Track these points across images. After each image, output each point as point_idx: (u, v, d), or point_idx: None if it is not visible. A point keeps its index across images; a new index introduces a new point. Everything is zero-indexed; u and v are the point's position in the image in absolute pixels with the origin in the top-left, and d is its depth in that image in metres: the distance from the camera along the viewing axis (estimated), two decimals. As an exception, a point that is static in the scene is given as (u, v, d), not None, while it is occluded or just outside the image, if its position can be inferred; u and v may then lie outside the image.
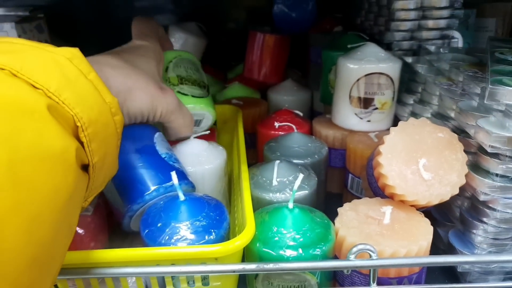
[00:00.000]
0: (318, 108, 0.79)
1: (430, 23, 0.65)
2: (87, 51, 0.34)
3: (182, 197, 0.41)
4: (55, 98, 0.27)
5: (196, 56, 0.85)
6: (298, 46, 0.87)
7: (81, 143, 0.28)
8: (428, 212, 0.49)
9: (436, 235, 0.48)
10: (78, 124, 0.28)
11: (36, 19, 0.76)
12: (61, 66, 0.29)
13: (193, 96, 0.52)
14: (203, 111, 0.53)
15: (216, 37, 0.90)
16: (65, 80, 0.28)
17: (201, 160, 0.50)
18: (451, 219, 0.46)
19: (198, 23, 0.89)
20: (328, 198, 0.61)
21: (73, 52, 0.30)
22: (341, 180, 0.63)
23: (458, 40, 0.68)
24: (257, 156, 0.68)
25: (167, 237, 0.38)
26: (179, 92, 0.51)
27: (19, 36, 0.70)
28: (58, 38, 0.81)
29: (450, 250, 0.45)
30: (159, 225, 0.39)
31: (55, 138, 0.26)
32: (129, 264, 0.36)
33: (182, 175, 0.44)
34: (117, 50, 0.48)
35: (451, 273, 0.46)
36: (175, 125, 0.47)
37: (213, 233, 0.39)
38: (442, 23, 0.65)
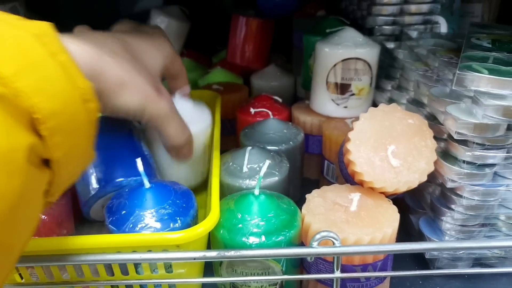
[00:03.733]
0: (301, 94, 0.78)
1: (413, 7, 0.64)
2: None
3: (147, 184, 0.40)
4: (8, 86, 0.23)
5: (179, 41, 0.84)
6: (282, 31, 0.85)
7: (41, 136, 0.25)
8: (402, 199, 0.49)
9: (409, 222, 0.48)
10: (36, 116, 0.24)
11: (11, 1, 0.74)
12: (23, 45, 0.25)
13: None
14: None
15: (201, 21, 0.88)
16: (26, 63, 0.24)
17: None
18: (423, 206, 0.46)
19: (181, 6, 0.87)
20: (305, 184, 0.61)
21: (43, 28, 0.26)
22: (319, 166, 0.62)
23: (442, 25, 0.67)
24: (237, 143, 0.67)
25: (131, 225, 0.38)
26: None
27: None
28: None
29: (421, 237, 0.44)
30: (123, 212, 0.39)
31: None
32: (90, 251, 0.36)
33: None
34: (123, 28, 0.44)
35: (420, 260, 0.46)
36: (165, 133, 0.41)
37: (179, 221, 0.38)
38: (425, 7, 0.64)
